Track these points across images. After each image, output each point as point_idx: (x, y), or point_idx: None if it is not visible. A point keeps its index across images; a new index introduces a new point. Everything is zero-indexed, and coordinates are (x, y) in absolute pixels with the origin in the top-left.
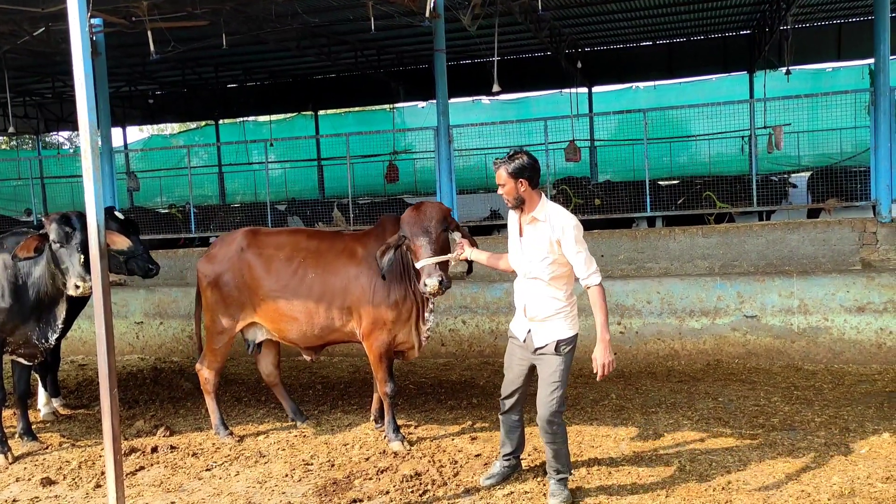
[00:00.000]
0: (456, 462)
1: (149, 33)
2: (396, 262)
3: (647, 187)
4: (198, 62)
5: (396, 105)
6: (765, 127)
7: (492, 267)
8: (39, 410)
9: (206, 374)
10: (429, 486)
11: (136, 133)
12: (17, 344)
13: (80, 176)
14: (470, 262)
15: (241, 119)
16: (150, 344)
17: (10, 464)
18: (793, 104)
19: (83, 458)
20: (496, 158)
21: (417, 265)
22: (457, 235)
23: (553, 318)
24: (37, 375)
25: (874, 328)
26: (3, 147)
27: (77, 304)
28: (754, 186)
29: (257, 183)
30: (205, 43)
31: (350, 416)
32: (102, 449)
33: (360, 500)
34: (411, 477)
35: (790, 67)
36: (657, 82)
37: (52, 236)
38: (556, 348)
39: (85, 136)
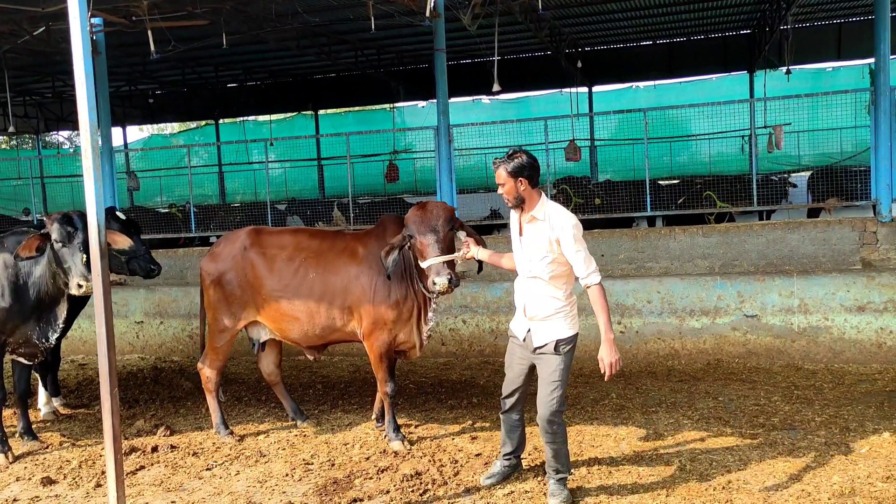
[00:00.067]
0: (456, 461)
1: (149, 33)
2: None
3: (648, 187)
4: (198, 61)
5: (396, 104)
6: (765, 126)
7: (496, 265)
8: (40, 410)
9: (207, 373)
10: (429, 486)
11: (136, 133)
12: (18, 343)
13: (80, 175)
14: (480, 261)
15: (241, 118)
16: (150, 343)
17: (11, 463)
18: (793, 104)
19: (83, 457)
20: (496, 158)
21: (424, 264)
22: (462, 234)
23: (553, 318)
24: (37, 375)
25: (874, 328)
26: (4, 146)
27: (77, 304)
28: (754, 186)
29: (257, 182)
30: (205, 42)
31: (350, 416)
32: (103, 448)
33: (361, 500)
34: (412, 476)
35: (790, 67)
36: (657, 82)
37: (55, 236)
38: (556, 348)
39: (85, 135)
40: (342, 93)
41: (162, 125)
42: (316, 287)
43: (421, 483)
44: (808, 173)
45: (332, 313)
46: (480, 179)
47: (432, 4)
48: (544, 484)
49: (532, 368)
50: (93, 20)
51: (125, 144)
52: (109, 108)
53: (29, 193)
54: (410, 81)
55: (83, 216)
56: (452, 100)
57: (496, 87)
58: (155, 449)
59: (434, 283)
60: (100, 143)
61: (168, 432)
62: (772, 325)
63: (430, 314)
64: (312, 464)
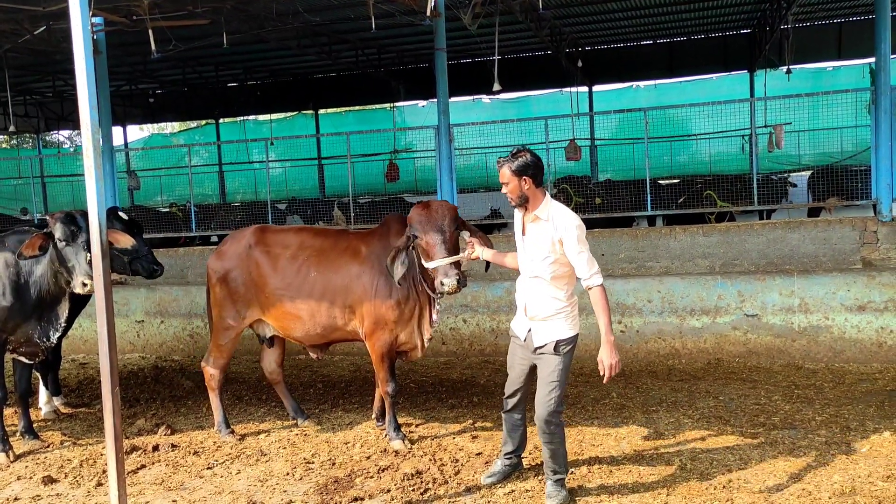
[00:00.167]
0: (457, 460)
1: (150, 32)
2: None
3: (648, 186)
4: (198, 61)
5: (397, 104)
6: (765, 126)
7: (500, 264)
8: (41, 409)
9: (211, 371)
10: (430, 485)
11: (137, 132)
12: (19, 342)
13: (81, 175)
14: (487, 262)
15: (242, 118)
16: (150, 343)
17: (12, 462)
18: (793, 103)
19: (84, 456)
20: (500, 157)
21: (430, 265)
22: (466, 234)
23: (553, 318)
24: (38, 374)
25: (875, 327)
26: (4, 146)
27: (79, 303)
28: (755, 185)
29: (258, 182)
30: (205, 42)
31: (351, 415)
32: (103, 447)
33: (362, 499)
34: (412, 475)
35: (791, 66)
36: (658, 81)
37: (58, 234)
38: (556, 348)
39: (87, 134)
40: (342, 92)
41: (162, 124)
42: (318, 286)
43: (422, 482)
44: (808, 173)
45: (334, 312)
46: (481, 179)
47: (433, 4)
48: (544, 483)
49: (534, 368)
50: (93, 19)
51: (125, 144)
52: (110, 107)
53: (29, 193)
54: (411, 81)
55: (86, 215)
56: (453, 99)
57: (496, 87)
58: (156, 448)
59: (442, 284)
60: (101, 142)
61: (169, 431)
62: (772, 324)
63: (434, 316)
64: (313, 463)
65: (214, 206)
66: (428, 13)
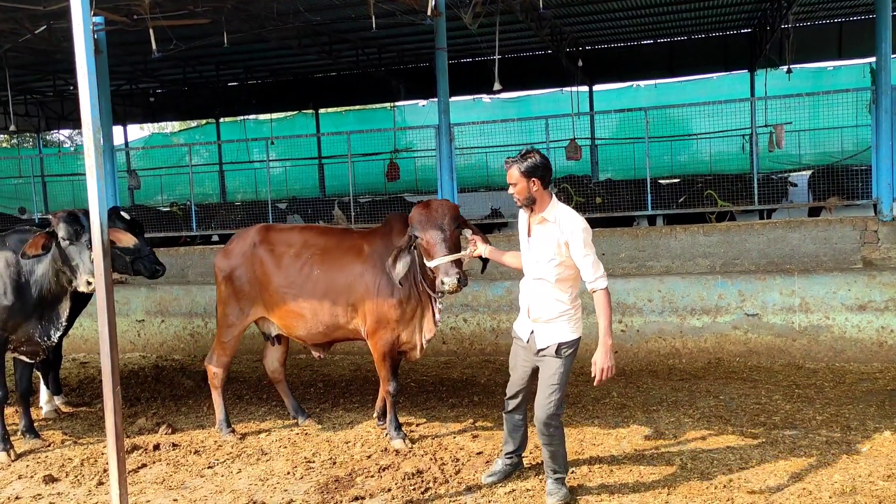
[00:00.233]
0: (458, 460)
1: (150, 31)
2: None
3: (649, 186)
4: (199, 60)
5: (397, 103)
6: (766, 125)
7: (501, 263)
8: (41, 408)
9: (213, 369)
10: (430, 484)
11: (137, 131)
12: (20, 342)
13: (81, 174)
14: (485, 260)
15: (242, 117)
16: (151, 342)
17: (13, 461)
18: (794, 103)
19: (85, 455)
20: (508, 157)
21: (431, 264)
22: (468, 233)
23: (556, 321)
24: (39, 373)
25: (875, 326)
26: (4, 145)
27: (79, 302)
28: (755, 185)
29: (258, 181)
30: (206, 41)
31: (352, 414)
32: (104, 446)
33: (362, 498)
34: (413, 474)
35: (791, 66)
36: (658, 81)
37: (62, 233)
38: (558, 351)
39: (88, 133)
40: (343, 92)
41: (163, 124)
42: (321, 284)
43: (422, 481)
44: (809, 172)
45: (336, 311)
46: (481, 178)
47: (433, 3)
48: (544, 482)
49: (536, 370)
50: (94, 19)
51: (126, 143)
52: (111, 106)
53: (30, 192)
54: (411, 80)
55: (88, 214)
56: (453, 98)
57: (497, 86)
58: (157, 447)
59: (443, 283)
60: (102, 141)
61: (170, 430)
62: (773, 323)
63: (437, 315)
64: (314, 462)
65: (215, 205)
66: (429, 12)
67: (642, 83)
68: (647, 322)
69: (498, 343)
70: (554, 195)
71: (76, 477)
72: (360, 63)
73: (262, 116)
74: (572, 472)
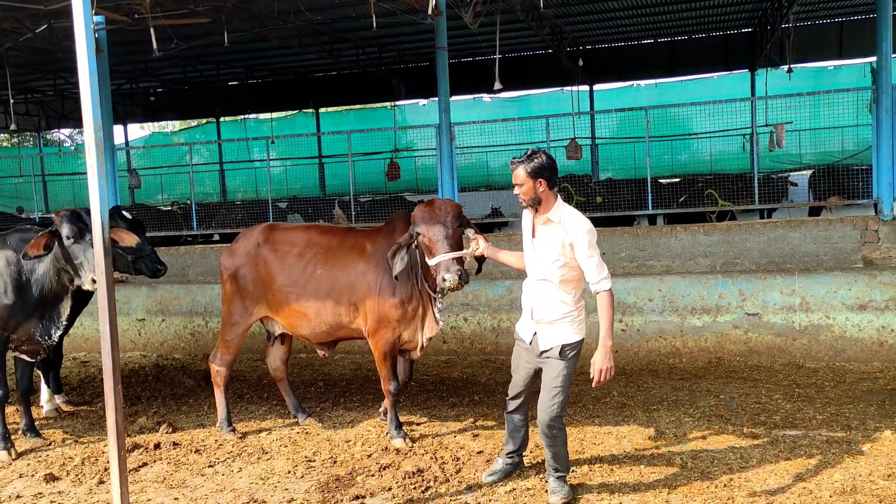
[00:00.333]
0: (458, 459)
1: (151, 30)
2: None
3: (649, 185)
4: (199, 59)
5: (398, 103)
6: (766, 125)
7: (504, 263)
8: (42, 407)
9: (217, 368)
10: (431, 483)
11: (138, 130)
12: (21, 341)
13: (82, 173)
14: (480, 260)
15: (243, 116)
16: (151, 341)
17: (14, 460)
18: (794, 102)
19: (86, 454)
20: (514, 157)
21: (432, 262)
22: (470, 232)
23: (560, 322)
24: (39, 372)
25: (876, 326)
26: (5, 144)
27: (80, 301)
28: (756, 184)
29: (258, 180)
30: (206, 40)
31: (352, 413)
32: (105, 445)
33: (363, 497)
34: (413, 473)
35: (792, 65)
36: (658, 80)
37: (65, 232)
38: (561, 352)
39: (89, 132)
40: (343, 91)
41: (163, 123)
42: (324, 283)
43: (423, 480)
44: (809, 172)
45: (339, 310)
46: (482, 177)
47: (434, 2)
48: (545, 481)
49: (538, 372)
50: (95, 18)
51: (126, 142)
52: (111, 105)
53: (30, 191)
54: (412, 79)
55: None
56: (454, 98)
57: (497, 86)
58: (157, 446)
59: (444, 280)
60: (103, 140)
61: (170, 429)
62: (773, 323)
63: (438, 315)
64: (314, 461)
65: (215, 204)
66: (429, 12)
67: (643, 82)
68: (647, 321)
69: (498, 342)
70: (559, 196)
71: (77, 476)
72: (360, 62)
73: (262, 116)
74: (573, 471)
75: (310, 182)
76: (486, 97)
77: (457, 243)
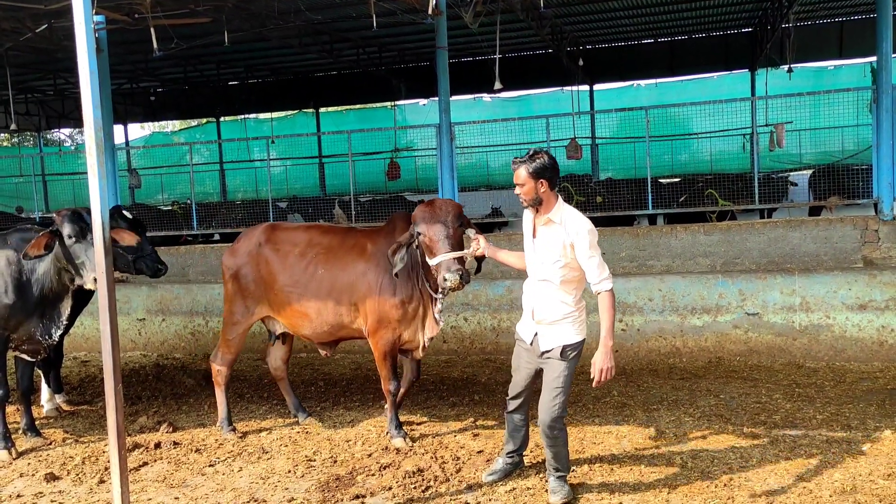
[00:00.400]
0: (458, 458)
1: (151, 30)
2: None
3: (649, 185)
4: (200, 59)
5: (398, 102)
6: (766, 125)
7: (503, 263)
8: (42, 406)
9: (218, 367)
10: (431, 482)
11: (138, 130)
12: (21, 340)
13: (82, 173)
14: (480, 261)
15: (243, 116)
16: (152, 340)
17: (14, 459)
18: (794, 102)
19: (87, 453)
20: (515, 157)
21: (433, 261)
22: (471, 232)
23: (561, 323)
24: (40, 371)
25: (876, 326)
26: (5, 144)
27: (80, 301)
28: (756, 184)
29: (259, 180)
30: (207, 40)
31: (352, 413)
32: (105, 444)
33: (363, 496)
34: (414, 473)
35: (792, 65)
36: (659, 80)
37: (67, 231)
38: (562, 353)
39: (90, 132)
40: (344, 91)
41: (163, 123)
42: (325, 283)
43: (423, 479)
44: (809, 172)
45: (340, 310)
46: (482, 177)
47: (434, 2)
48: (545, 481)
49: (538, 372)
50: (95, 17)
51: (126, 142)
52: (111, 105)
53: (30, 191)
54: (412, 79)
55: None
56: (454, 98)
57: (497, 85)
58: (158, 445)
59: (445, 280)
60: (103, 140)
61: (171, 429)
62: (773, 323)
63: (438, 315)
64: (315, 460)
65: (215, 204)
66: (429, 11)
67: (643, 82)
68: (647, 321)
69: (498, 342)
70: (560, 197)
71: (77, 475)
72: (360, 62)
73: (262, 115)
74: (573, 470)
75: (310, 182)
76: (486, 97)
77: (458, 243)
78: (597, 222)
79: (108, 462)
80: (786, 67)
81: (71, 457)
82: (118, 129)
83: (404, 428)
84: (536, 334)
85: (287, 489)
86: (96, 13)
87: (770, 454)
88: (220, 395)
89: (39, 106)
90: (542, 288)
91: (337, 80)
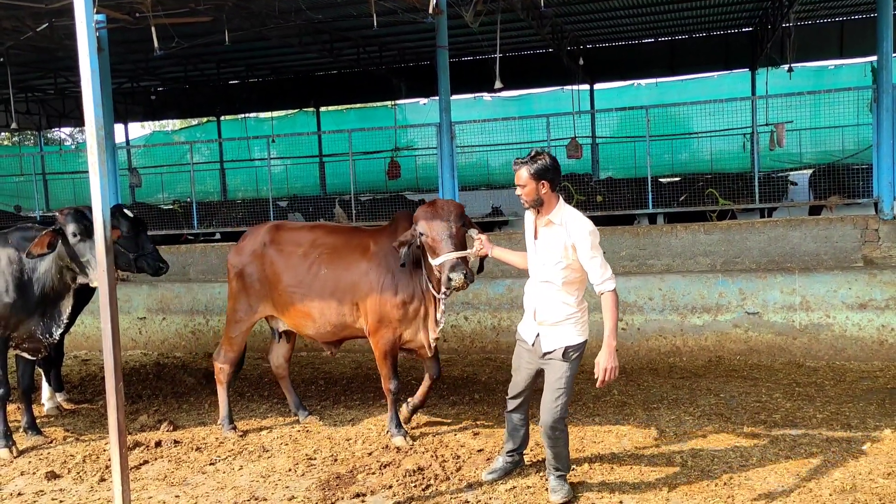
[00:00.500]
0: (458, 457)
1: (152, 29)
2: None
3: (650, 184)
4: (200, 58)
5: (398, 101)
6: (767, 124)
7: (507, 262)
8: (43, 405)
9: (220, 365)
10: (431, 481)
11: (138, 129)
12: (22, 339)
13: (82, 172)
14: (482, 260)
15: (243, 115)
16: (152, 339)
17: (15, 457)
18: (795, 101)
19: (87, 452)
20: (517, 158)
21: (436, 262)
22: (473, 232)
23: (563, 324)
24: (41, 370)
25: (876, 325)
26: (6, 143)
27: (81, 300)
28: (756, 183)
29: (259, 179)
30: (207, 39)
31: (353, 412)
32: (106, 443)
33: (363, 495)
34: (414, 471)
35: (792, 65)
36: (659, 79)
37: (71, 230)
38: (564, 354)
39: (91, 131)
40: (344, 90)
41: (164, 122)
42: (328, 283)
43: (423, 478)
44: (809, 171)
45: (343, 310)
46: (482, 176)
47: (435, 1)
48: (545, 479)
49: (539, 372)
50: (96, 17)
51: (127, 141)
52: (112, 104)
53: (30, 190)
54: (412, 78)
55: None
56: (454, 97)
57: (498, 85)
58: (158, 444)
59: (450, 280)
60: (104, 139)
61: (171, 427)
62: (773, 322)
63: (439, 316)
64: (315, 459)
65: (216, 203)
66: (430, 11)
67: (643, 82)
68: (647, 320)
69: (499, 341)
70: (561, 198)
71: (78, 473)
72: (361, 61)
73: (262, 114)
74: (573, 469)
75: (310, 181)
76: (486, 96)
77: (460, 243)
78: (597, 221)
79: (109, 460)
80: (786, 67)
81: (72, 455)
82: (119, 128)
83: (404, 427)
84: (538, 335)
85: (287, 487)
86: (97, 12)
87: (770, 453)
88: (222, 393)
89: (40, 105)
90: (543, 289)
91: (337, 80)
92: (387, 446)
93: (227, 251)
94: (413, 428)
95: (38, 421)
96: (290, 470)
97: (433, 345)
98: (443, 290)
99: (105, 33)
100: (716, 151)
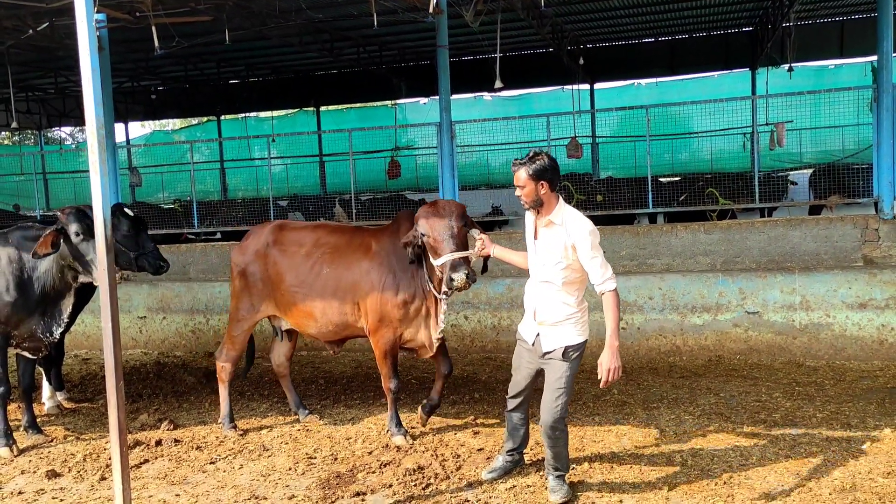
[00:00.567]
0: (458, 456)
1: (153, 28)
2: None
3: (650, 184)
4: (200, 58)
5: (398, 101)
6: (767, 124)
7: (508, 262)
8: (44, 404)
9: (222, 363)
10: (431, 480)
11: (139, 128)
12: (22, 338)
13: (82, 171)
14: (486, 260)
15: (243, 115)
16: (153, 338)
17: (16, 456)
18: (795, 101)
19: (88, 451)
20: (515, 159)
21: (438, 262)
22: (475, 232)
23: (563, 324)
24: (41, 369)
25: (876, 324)
26: (6, 142)
27: (81, 299)
28: (756, 183)
29: (259, 178)
30: (208, 38)
31: (353, 411)
32: (107, 442)
33: (364, 494)
34: (414, 470)
35: (792, 64)
36: (659, 79)
37: (74, 229)
38: (564, 354)
39: (91, 130)
40: (344, 89)
41: (164, 121)
42: (329, 283)
43: (423, 477)
44: (810, 171)
45: (345, 310)
46: (482, 176)
47: (435, 1)
48: (545, 478)
49: (539, 372)
50: (97, 16)
51: (127, 140)
52: (112, 104)
53: (31, 189)
54: (412, 78)
55: None
56: (454, 96)
57: (498, 84)
58: (159, 443)
59: (452, 280)
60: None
61: (171, 426)
62: (773, 321)
63: (440, 316)
64: (315, 458)
65: (216, 202)
66: (430, 10)
67: (643, 81)
68: (647, 320)
69: (499, 340)
70: (560, 198)
71: (79, 472)
72: (361, 61)
73: (263, 114)
74: (573, 468)
75: (310, 180)
76: (486, 96)
77: (462, 243)
78: (597, 221)
79: (110, 459)
80: (786, 66)
81: (72, 454)
82: (119, 128)
83: (404, 426)
84: (538, 335)
85: (288, 486)
86: (98, 11)
87: (770, 452)
88: (223, 391)
89: (40, 104)
90: (543, 289)
91: (337, 79)
92: (387, 445)
93: (228, 250)
94: (413, 427)
95: (38, 420)
96: (290, 469)
97: (435, 344)
98: (444, 289)
99: (105, 32)
100: (716, 151)
